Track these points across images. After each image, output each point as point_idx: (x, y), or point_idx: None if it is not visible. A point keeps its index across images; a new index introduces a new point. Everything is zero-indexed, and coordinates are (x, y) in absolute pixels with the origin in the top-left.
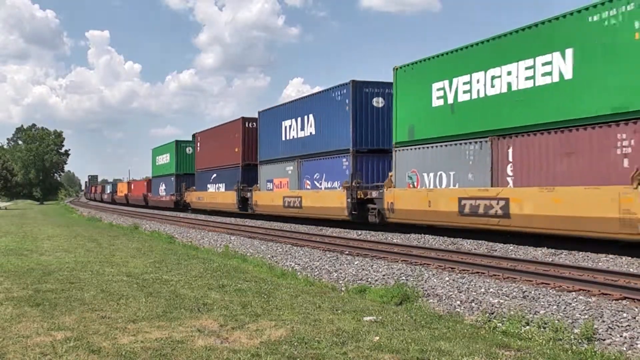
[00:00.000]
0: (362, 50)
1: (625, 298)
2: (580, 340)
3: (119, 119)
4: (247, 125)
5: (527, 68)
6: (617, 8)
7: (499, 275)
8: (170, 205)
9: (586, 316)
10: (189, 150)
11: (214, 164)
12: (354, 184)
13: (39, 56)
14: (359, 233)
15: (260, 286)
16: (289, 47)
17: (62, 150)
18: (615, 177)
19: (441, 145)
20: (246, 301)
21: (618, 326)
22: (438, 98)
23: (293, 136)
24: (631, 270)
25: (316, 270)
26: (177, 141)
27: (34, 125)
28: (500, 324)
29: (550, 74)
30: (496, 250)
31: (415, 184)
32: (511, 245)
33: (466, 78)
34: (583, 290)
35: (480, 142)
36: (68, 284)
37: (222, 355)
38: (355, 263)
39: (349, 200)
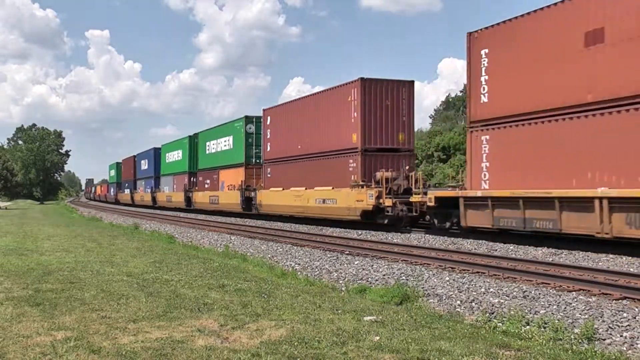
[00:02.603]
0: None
1: (625, 298)
2: (580, 340)
3: (119, 119)
4: (134, 159)
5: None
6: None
7: (499, 275)
8: (113, 200)
9: (586, 316)
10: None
11: (127, 177)
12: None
13: (39, 56)
14: (359, 233)
15: (260, 286)
16: (290, 46)
17: (63, 150)
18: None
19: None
20: (246, 301)
21: (618, 326)
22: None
23: (144, 168)
24: (631, 270)
25: (316, 270)
26: (117, 163)
27: (34, 125)
28: (500, 324)
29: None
30: (496, 250)
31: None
32: (511, 245)
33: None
34: (583, 290)
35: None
36: (68, 284)
37: (222, 355)
38: (356, 263)
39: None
